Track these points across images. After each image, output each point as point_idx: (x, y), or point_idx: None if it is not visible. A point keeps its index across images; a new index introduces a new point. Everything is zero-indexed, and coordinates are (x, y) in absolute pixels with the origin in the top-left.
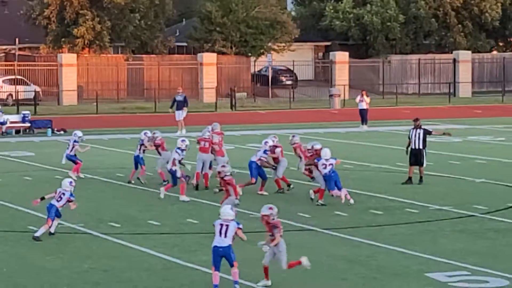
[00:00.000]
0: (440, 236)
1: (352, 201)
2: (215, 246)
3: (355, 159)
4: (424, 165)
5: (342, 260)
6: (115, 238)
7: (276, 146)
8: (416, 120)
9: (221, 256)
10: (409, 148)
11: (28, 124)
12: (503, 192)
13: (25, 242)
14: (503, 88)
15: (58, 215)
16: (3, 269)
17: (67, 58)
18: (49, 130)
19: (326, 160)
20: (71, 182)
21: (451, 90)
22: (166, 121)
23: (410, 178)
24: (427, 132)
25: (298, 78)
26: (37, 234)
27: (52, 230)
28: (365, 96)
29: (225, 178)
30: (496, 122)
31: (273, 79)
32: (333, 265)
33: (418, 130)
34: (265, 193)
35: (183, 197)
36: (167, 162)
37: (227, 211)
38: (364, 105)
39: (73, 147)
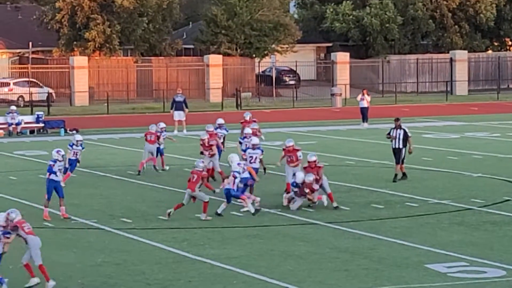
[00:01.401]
0: (439, 228)
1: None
2: None
3: (356, 155)
4: (404, 163)
5: (345, 252)
6: (127, 233)
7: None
8: (397, 120)
9: None
10: (391, 147)
11: (41, 125)
12: (499, 186)
13: (40, 238)
14: (498, 86)
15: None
16: (19, 264)
17: (79, 60)
18: (62, 130)
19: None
20: (58, 151)
21: (448, 89)
22: (173, 120)
23: (404, 174)
24: (406, 135)
25: (301, 78)
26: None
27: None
28: (366, 95)
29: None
30: (492, 119)
31: (276, 79)
32: (336, 257)
33: (399, 130)
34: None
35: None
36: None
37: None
38: (365, 104)
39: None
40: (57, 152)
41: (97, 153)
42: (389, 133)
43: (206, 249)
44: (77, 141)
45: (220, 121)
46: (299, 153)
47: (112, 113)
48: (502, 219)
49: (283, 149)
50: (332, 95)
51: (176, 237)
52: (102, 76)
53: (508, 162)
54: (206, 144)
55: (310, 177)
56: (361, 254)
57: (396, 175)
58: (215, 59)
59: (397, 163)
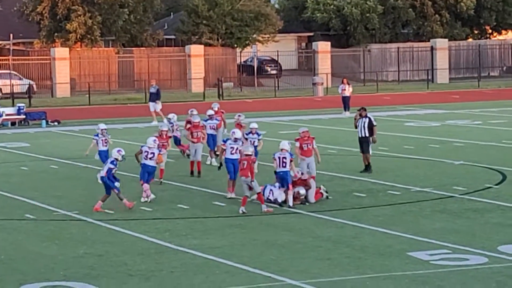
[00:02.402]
0: (421, 216)
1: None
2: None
3: (338, 144)
4: (370, 153)
5: (328, 241)
6: (109, 224)
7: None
8: (362, 109)
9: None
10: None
11: (23, 116)
12: (480, 174)
13: (22, 230)
14: (479, 74)
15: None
16: (1, 256)
17: (60, 52)
18: (44, 122)
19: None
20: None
21: (429, 77)
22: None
23: (368, 165)
24: (371, 124)
25: (282, 68)
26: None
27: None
28: (347, 85)
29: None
30: (473, 107)
31: (258, 69)
32: (318, 246)
33: (364, 119)
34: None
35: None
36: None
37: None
38: (346, 93)
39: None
40: (118, 151)
41: (79, 144)
42: (356, 126)
43: (189, 239)
44: (101, 130)
45: (254, 125)
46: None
47: (94, 104)
48: (484, 206)
49: (296, 139)
50: (314, 84)
51: (159, 228)
52: (84, 67)
53: (489, 150)
54: (164, 137)
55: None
56: (344, 242)
57: (366, 165)
58: (196, 50)
59: (363, 152)
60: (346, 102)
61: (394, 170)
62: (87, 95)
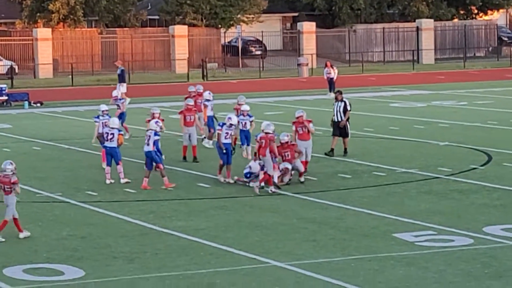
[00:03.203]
0: (407, 197)
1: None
2: None
3: (323, 125)
4: (349, 136)
5: (312, 223)
6: (92, 206)
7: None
8: (338, 93)
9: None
10: (333, 121)
11: (5, 97)
12: (466, 155)
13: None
14: (465, 54)
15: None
16: None
17: (43, 32)
18: (26, 103)
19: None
20: (157, 122)
21: (415, 57)
22: (138, 92)
23: (332, 150)
24: (345, 107)
25: (267, 48)
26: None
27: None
28: (331, 68)
29: None
30: (459, 87)
31: (243, 49)
32: (303, 227)
33: (339, 103)
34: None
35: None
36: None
37: None
38: (332, 75)
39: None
40: (156, 123)
41: (62, 125)
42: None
43: (173, 221)
44: (102, 111)
45: (245, 107)
46: (311, 125)
47: (77, 85)
48: (469, 187)
49: (293, 122)
50: (299, 65)
51: (142, 210)
52: (66, 48)
53: (475, 131)
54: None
55: (285, 137)
56: (329, 224)
57: (332, 149)
58: (180, 30)
59: (339, 136)
60: (331, 83)
61: (379, 151)
62: (70, 76)
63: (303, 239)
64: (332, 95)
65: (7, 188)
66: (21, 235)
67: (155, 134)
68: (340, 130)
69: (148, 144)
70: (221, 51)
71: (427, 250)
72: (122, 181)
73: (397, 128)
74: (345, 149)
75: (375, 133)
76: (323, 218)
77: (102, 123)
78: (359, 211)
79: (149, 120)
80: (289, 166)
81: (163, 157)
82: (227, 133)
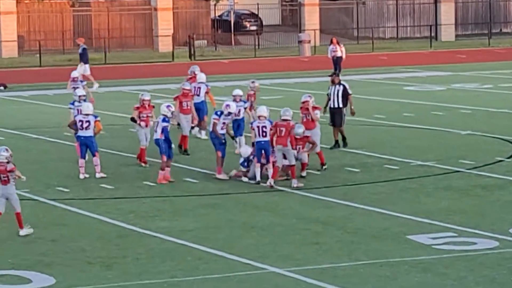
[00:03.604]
0: (423, 194)
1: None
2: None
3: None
4: (343, 125)
5: (315, 223)
6: (64, 204)
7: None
8: (334, 75)
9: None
10: (328, 107)
11: None
12: (491, 145)
13: None
14: (489, 30)
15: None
16: None
17: (6, 5)
18: None
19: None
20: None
21: (433, 34)
22: (117, 73)
23: (336, 142)
24: (346, 92)
25: (264, 23)
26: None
27: None
28: (337, 46)
29: None
30: (482, 68)
31: (235, 24)
32: (305, 228)
33: (337, 86)
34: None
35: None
36: None
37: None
38: (339, 53)
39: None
40: (168, 107)
41: (29, 112)
42: (328, 94)
43: (156, 221)
44: (79, 96)
45: (238, 92)
46: (316, 111)
47: (45, 65)
48: (495, 182)
49: (300, 108)
50: (300, 42)
51: (121, 208)
52: (33, 22)
53: (501, 118)
54: (146, 107)
55: (300, 129)
56: (334, 224)
57: (336, 141)
58: (164, 2)
59: (336, 125)
60: (337, 63)
61: (391, 142)
62: (38, 55)
63: (304, 242)
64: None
65: (3, 177)
66: (22, 232)
67: (164, 120)
68: (334, 118)
69: (156, 132)
70: (211, 26)
71: (446, 254)
72: (98, 175)
73: (412, 114)
74: (344, 138)
75: (387, 121)
76: (327, 218)
77: (78, 110)
78: (368, 210)
79: (137, 107)
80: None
81: (173, 146)
82: (223, 123)
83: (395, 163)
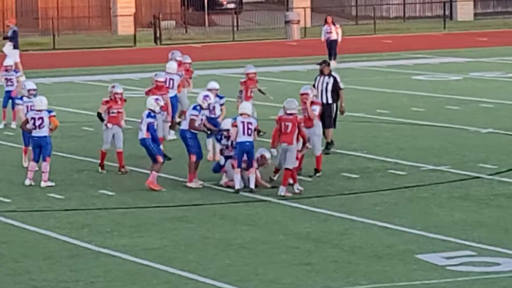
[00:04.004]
0: (435, 205)
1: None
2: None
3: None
4: (335, 126)
5: (306, 239)
6: (5, 217)
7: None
8: (323, 63)
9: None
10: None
11: None
12: None
13: None
14: None
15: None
16: None
17: None
18: None
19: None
20: (157, 99)
21: (447, 12)
22: (66, 61)
23: (331, 142)
24: (337, 85)
25: (244, 0)
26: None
27: None
28: (332, 26)
29: None
30: (506, 53)
31: (209, 1)
32: (294, 246)
33: (326, 78)
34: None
35: None
36: None
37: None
38: (334, 36)
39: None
40: (156, 100)
41: None
42: (315, 86)
43: (115, 237)
44: (28, 90)
45: (214, 84)
46: (314, 107)
47: None
48: None
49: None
50: (287, 23)
51: (73, 222)
52: None
53: None
54: (118, 102)
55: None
56: (329, 241)
57: (328, 143)
58: None
59: (325, 126)
60: (332, 48)
61: (397, 142)
62: None
63: (293, 262)
64: (334, 64)
65: None
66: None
67: (149, 115)
68: (322, 116)
69: (141, 130)
70: (180, 4)
71: (462, 277)
72: (44, 184)
73: (423, 109)
74: (330, 142)
75: (392, 117)
76: (321, 234)
77: (28, 106)
78: (369, 224)
79: (107, 101)
80: (267, 154)
81: (161, 147)
82: (201, 119)
83: (402, 168)
